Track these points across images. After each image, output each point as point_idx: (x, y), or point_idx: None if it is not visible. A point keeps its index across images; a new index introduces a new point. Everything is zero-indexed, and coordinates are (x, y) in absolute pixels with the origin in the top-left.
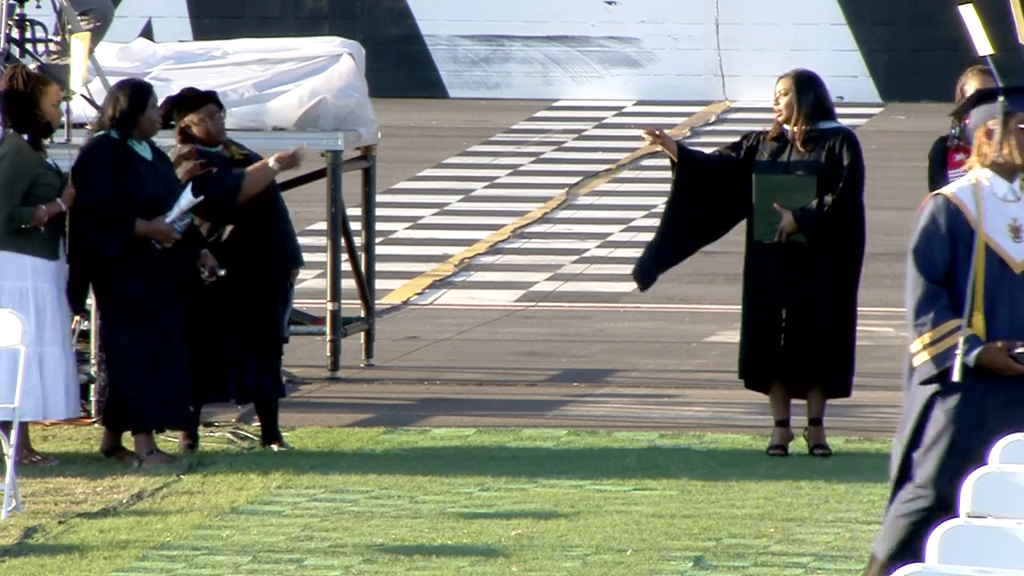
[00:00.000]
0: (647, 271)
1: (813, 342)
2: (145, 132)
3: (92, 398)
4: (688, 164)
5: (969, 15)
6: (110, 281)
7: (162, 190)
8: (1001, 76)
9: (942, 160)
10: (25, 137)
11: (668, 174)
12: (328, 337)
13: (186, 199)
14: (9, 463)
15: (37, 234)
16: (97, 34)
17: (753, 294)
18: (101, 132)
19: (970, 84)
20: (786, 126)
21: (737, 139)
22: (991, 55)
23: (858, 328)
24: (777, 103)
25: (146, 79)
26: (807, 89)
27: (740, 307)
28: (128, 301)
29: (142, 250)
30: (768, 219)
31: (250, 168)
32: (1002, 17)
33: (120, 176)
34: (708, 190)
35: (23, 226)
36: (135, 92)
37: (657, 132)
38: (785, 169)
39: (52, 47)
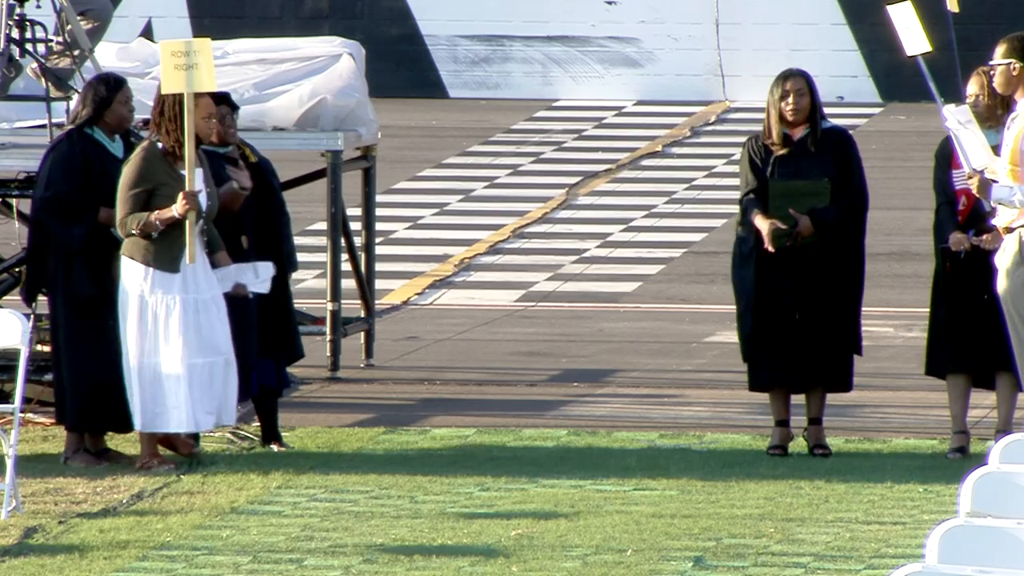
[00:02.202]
0: None
1: (822, 343)
2: (112, 126)
3: None
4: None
5: (900, 15)
6: (66, 277)
7: None
8: (933, 75)
9: (948, 159)
10: (160, 146)
11: (667, 174)
12: (328, 337)
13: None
14: (9, 463)
15: (155, 243)
16: (95, 34)
17: (762, 298)
18: (70, 127)
19: (970, 85)
20: (785, 128)
21: (745, 157)
22: (925, 54)
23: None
24: (796, 103)
25: (146, 79)
26: (815, 90)
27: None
28: (80, 299)
29: (100, 246)
30: (781, 223)
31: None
32: (936, 15)
33: (86, 170)
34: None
35: (132, 232)
36: (101, 87)
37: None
38: (797, 173)
39: (53, 47)
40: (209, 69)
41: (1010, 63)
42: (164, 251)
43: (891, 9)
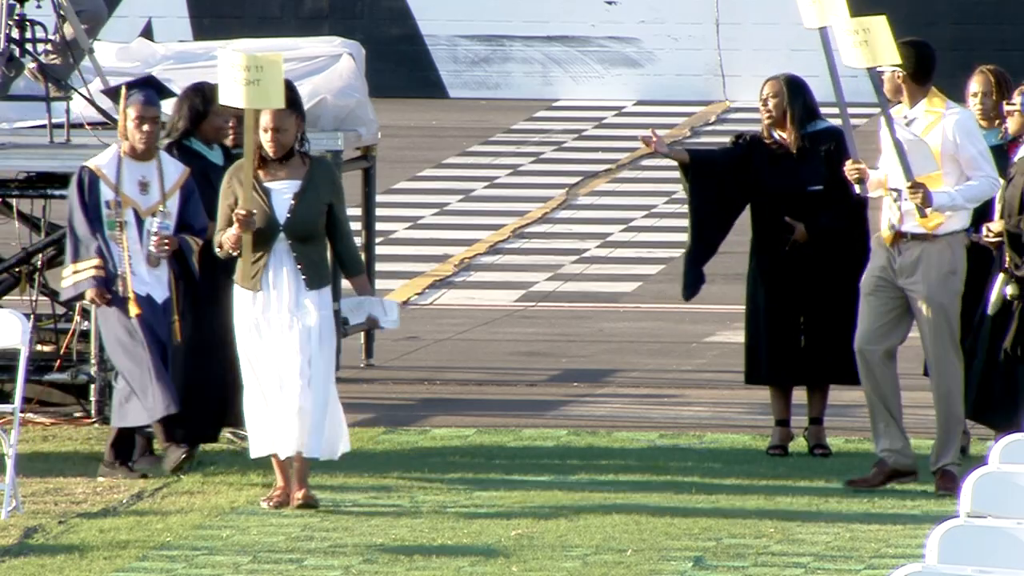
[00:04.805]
0: (694, 283)
1: (826, 340)
2: (208, 137)
3: (92, 398)
4: (700, 165)
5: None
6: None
7: None
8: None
9: None
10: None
11: (667, 174)
12: None
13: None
14: (9, 463)
15: (240, 262)
16: (89, 34)
17: (769, 297)
18: (168, 139)
19: (974, 84)
20: (775, 131)
21: (732, 139)
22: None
23: None
24: (766, 104)
25: None
26: (797, 94)
27: (739, 307)
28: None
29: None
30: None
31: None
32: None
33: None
34: (723, 182)
35: (217, 249)
36: (196, 98)
37: (653, 140)
38: (786, 174)
39: (48, 47)
40: (274, 86)
41: (895, 71)
42: (244, 269)
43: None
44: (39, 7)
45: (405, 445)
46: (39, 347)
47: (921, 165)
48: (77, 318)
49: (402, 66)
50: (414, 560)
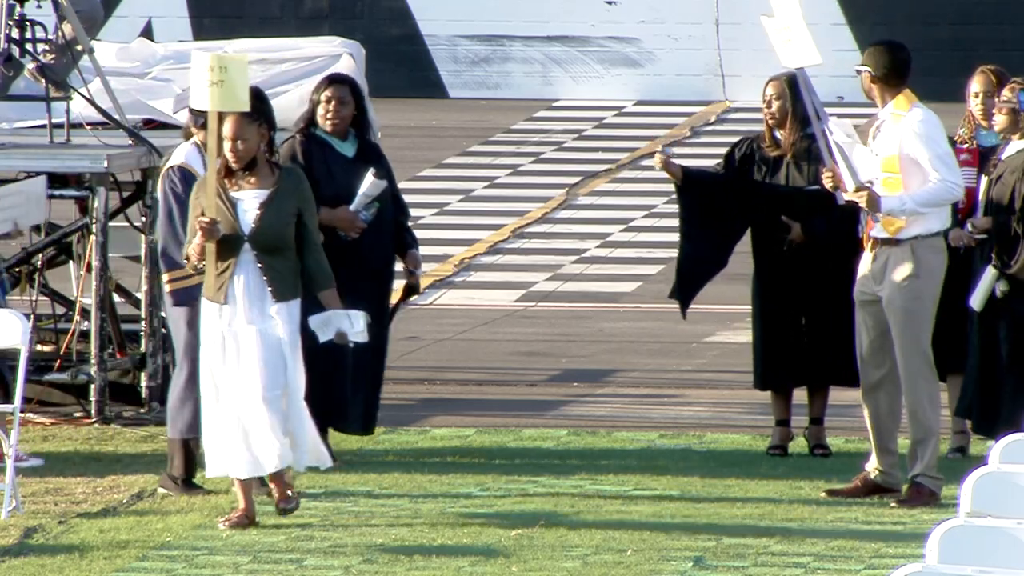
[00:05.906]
0: (685, 295)
1: (827, 340)
2: (336, 129)
3: (92, 398)
4: (692, 185)
5: (779, 25)
6: None
7: (358, 187)
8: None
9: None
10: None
11: (666, 175)
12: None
13: (368, 184)
14: (9, 463)
15: (207, 270)
16: (86, 35)
17: (768, 299)
18: (295, 129)
19: (974, 84)
20: (777, 132)
21: (728, 150)
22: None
23: None
24: (769, 106)
25: (146, 79)
26: (801, 93)
27: (738, 307)
28: None
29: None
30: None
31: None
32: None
33: (307, 169)
34: (719, 203)
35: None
36: (316, 88)
37: (665, 160)
38: (786, 176)
39: (48, 47)
40: (239, 88)
41: (866, 69)
42: (209, 281)
43: (764, 21)
44: (39, 7)
45: (405, 445)
46: (39, 347)
47: (864, 167)
48: (77, 318)
49: (402, 66)
50: (414, 560)
